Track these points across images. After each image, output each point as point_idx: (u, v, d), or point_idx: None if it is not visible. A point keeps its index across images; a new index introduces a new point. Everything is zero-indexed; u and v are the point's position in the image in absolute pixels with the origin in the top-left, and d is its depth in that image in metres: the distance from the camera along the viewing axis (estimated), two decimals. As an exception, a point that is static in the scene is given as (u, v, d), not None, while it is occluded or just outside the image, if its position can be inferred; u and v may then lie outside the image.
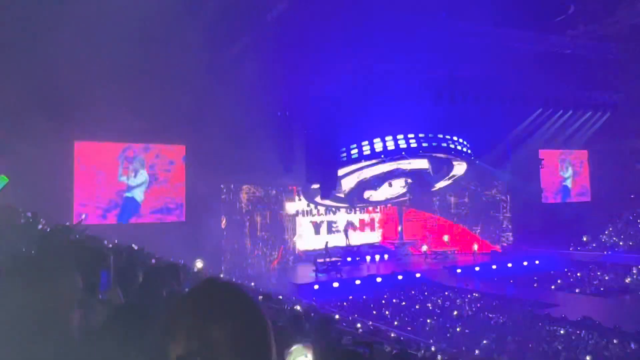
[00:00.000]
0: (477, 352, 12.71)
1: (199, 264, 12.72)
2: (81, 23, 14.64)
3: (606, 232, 30.12)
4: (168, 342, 1.03)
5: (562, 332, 14.51)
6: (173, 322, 1.04)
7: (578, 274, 24.38)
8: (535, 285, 23.14)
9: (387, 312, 17.93)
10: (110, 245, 7.92)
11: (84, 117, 18.14)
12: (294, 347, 2.78)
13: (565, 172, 33.66)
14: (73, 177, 20.46)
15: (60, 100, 16.59)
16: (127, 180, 21.80)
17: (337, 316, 12.71)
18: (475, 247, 29.17)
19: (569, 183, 33.74)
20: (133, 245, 8.70)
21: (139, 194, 22.00)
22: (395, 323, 16.20)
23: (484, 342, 13.68)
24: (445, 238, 29.82)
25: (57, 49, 14.86)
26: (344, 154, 25.55)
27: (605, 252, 27.00)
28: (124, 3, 13.28)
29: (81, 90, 16.93)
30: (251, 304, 1.08)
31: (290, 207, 27.72)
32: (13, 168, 14.52)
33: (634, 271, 23.57)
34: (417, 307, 18.49)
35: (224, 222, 23.63)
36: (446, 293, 21.07)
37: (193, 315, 1.03)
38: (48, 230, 6.96)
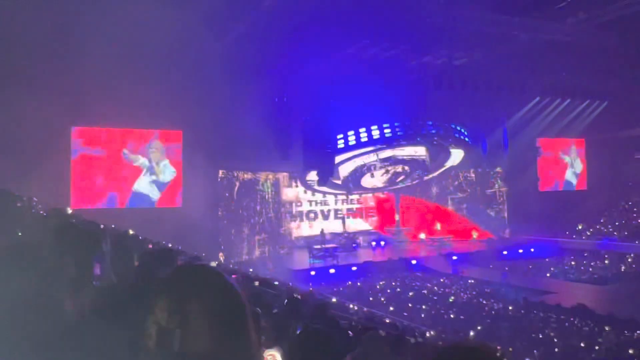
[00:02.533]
0: (472, 333, 12.83)
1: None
2: (79, 10, 14.52)
3: (601, 221, 30.28)
4: (148, 317, 1.10)
5: (555, 319, 14.63)
6: (153, 300, 1.11)
7: (573, 262, 24.55)
8: (530, 272, 23.30)
9: (382, 299, 18.04)
10: (107, 230, 7.92)
11: (81, 102, 18.04)
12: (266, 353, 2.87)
13: (562, 161, 33.68)
14: (70, 161, 20.39)
15: (58, 84, 16.50)
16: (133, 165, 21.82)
17: (333, 300, 12.81)
18: (475, 234, 29.31)
19: (569, 173, 33.76)
20: (129, 230, 8.69)
21: (144, 184, 22.01)
22: (391, 309, 16.29)
23: (478, 328, 13.79)
24: (438, 226, 29.91)
25: (55, 34, 14.77)
26: (342, 141, 25.51)
27: (600, 240, 27.17)
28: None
29: (78, 75, 16.87)
30: (226, 283, 1.15)
31: (287, 193, 27.74)
32: (9, 152, 14.54)
33: (629, 259, 23.76)
34: (412, 293, 18.60)
35: (220, 211, 23.61)
36: (442, 280, 21.21)
37: (171, 293, 1.11)
38: (44, 214, 6.95)
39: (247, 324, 1.13)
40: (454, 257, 24.61)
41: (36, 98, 15.14)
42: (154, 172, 22.18)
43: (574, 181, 33.69)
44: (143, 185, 21.91)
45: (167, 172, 22.40)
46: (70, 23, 14.73)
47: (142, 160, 21.95)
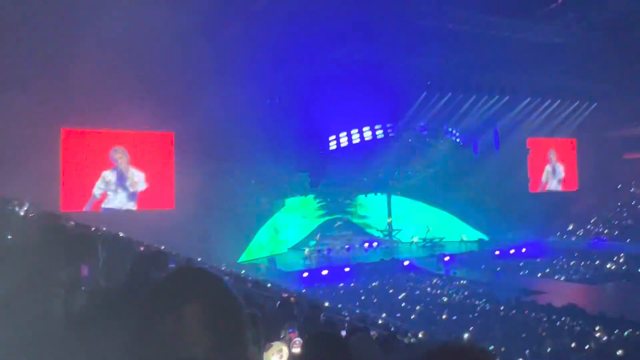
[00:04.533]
0: (465, 335, 12.86)
1: None
2: (71, 10, 14.44)
3: (592, 221, 30.49)
4: (144, 321, 1.10)
5: (547, 319, 14.71)
6: (149, 303, 1.11)
7: (564, 262, 24.70)
8: (521, 272, 23.42)
9: (375, 300, 18.06)
10: (99, 233, 7.88)
11: (71, 102, 17.92)
12: (274, 344, 2.83)
13: (552, 161, 33.86)
14: (60, 163, 20.23)
15: (48, 85, 16.39)
16: (114, 171, 21.62)
17: (326, 303, 12.80)
18: (463, 235, 29.42)
19: (557, 172, 33.96)
20: (120, 233, 8.67)
21: (126, 185, 21.84)
22: (383, 315, 16.31)
23: (470, 328, 13.84)
24: (430, 226, 29.99)
25: (45, 34, 14.68)
26: (334, 142, 25.54)
27: (590, 240, 27.36)
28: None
29: (69, 76, 16.75)
30: (222, 287, 1.14)
31: (280, 195, 27.67)
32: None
33: (619, 259, 23.94)
34: (404, 294, 18.64)
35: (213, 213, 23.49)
36: (434, 280, 21.26)
37: (167, 297, 1.11)
38: (34, 217, 6.89)
39: (244, 328, 1.13)
40: (446, 258, 24.69)
41: (25, 99, 15.03)
42: (123, 183, 21.83)
43: (559, 187, 33.82)
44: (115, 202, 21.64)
45: (137, 180, 21.99)
46: (61, 24, 14.67)
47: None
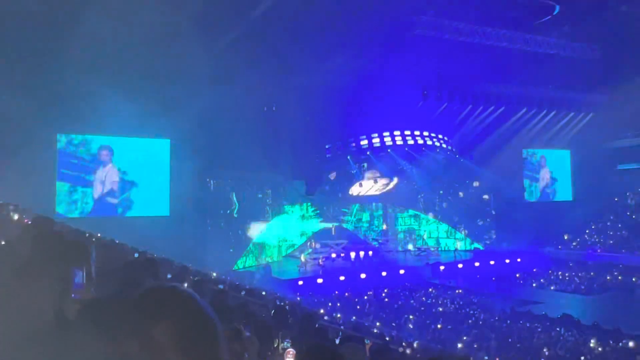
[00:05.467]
0: (459, 345, 12.84)
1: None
2: (70, 19, 14.45)
3: (587, 231, 30.55)
4: (109, 342, 1.09)
5: (542, 329, 14.70)
6: (115, 324, 1.09)
7: (559, 272, 24.72)
8: (517, 282, 23.42)
9: (370, 308, 18.01)
10: (93, 239, 7.84)
11: (67, 109, 17.90)
12: None
13: (547, 172, 33.97)
14: (55, 168, 20.19)
15: (44, 91, 16.39)
16: (106, 176, 21.55)
17: (321, 311, 12.75)
18: (458, 244, 29.44)
19: (551, 183, 34.08)
20: (114, 239, 8.63)
21: (107, 189, 21.75)
22: (378, 324, 16.27)
23: (465, 338, 13.82)
24: (426, 235, 30.01)
25: (44, 42, 14.69)
26: (329, 150, 25.59)
27: (586, 251, 27.40)
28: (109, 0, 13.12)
29: (66, 83, 16.75)
30: (195, 306, 1.11)
31: (276, 202, 27.65)
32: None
33: (614, 270, 23.98)
34: (399, 303, 18.60)
35: (208, 220, 23.47)
36: (429, 290, 21.23)
37: (135, 317, 1.08)
38: (29, 222, 6.86)
39: (218, 347, 1.10)
40: (442, 268, 24.68)
41: (22, 104, 15.01)
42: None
43: (555, 190, 34.04)
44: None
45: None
46: (58, 31, 14.66)
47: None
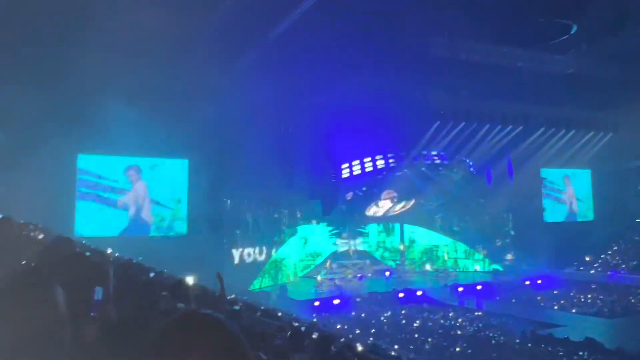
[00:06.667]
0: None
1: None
2: (91, 39, 14.77)
3: (609, 252, 29.93)
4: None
5: (564, 353, 14.35)
6: (150, 352, 1.06)
7: (581, 295, 24.18)
8: (537, 305, 22.95)
9: (387, 330, 17.78)
10: (111, 259, 7.89)
11: (88, 129, 18.20)
12: None
13: (567, 191, 33.53)
14: (75, 188, 20.49)
15: (66, 112, 16.72)
16: (127, 195, 21.83)
17: (337, 333, 12.62)
18: (477, 266, 29.05)
19: (571, 202, 33.61)
20: (131, 259, 8.67)
21: (138, 208, 22.00)
22: (396, 347, 16.04)
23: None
24: (445, 256, 29.69)
25: (65, 62, 15.02)
26: (346, 170, 25.60)
27: (608, 272, 26.80)
28: (129, 20, 13.40)
29: (87, 103, 17.10)
30: (229, 332, 1.09)
31: (293, 222, 27.65)
32: (16, 179, 14.63)
33: (638, 292, 23.38)
34: (417, 324, 18.33)
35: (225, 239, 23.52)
36: (448, 312, 20.90)
37: (169, 346, 1.05)
38: (48, 242, 6.93)
39: None
40: (460, 289, 24.31)
41: (43, 125, 15.33)
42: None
43: (577, 210, 33.58)
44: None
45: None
46: (79, 52, 14.97)
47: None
